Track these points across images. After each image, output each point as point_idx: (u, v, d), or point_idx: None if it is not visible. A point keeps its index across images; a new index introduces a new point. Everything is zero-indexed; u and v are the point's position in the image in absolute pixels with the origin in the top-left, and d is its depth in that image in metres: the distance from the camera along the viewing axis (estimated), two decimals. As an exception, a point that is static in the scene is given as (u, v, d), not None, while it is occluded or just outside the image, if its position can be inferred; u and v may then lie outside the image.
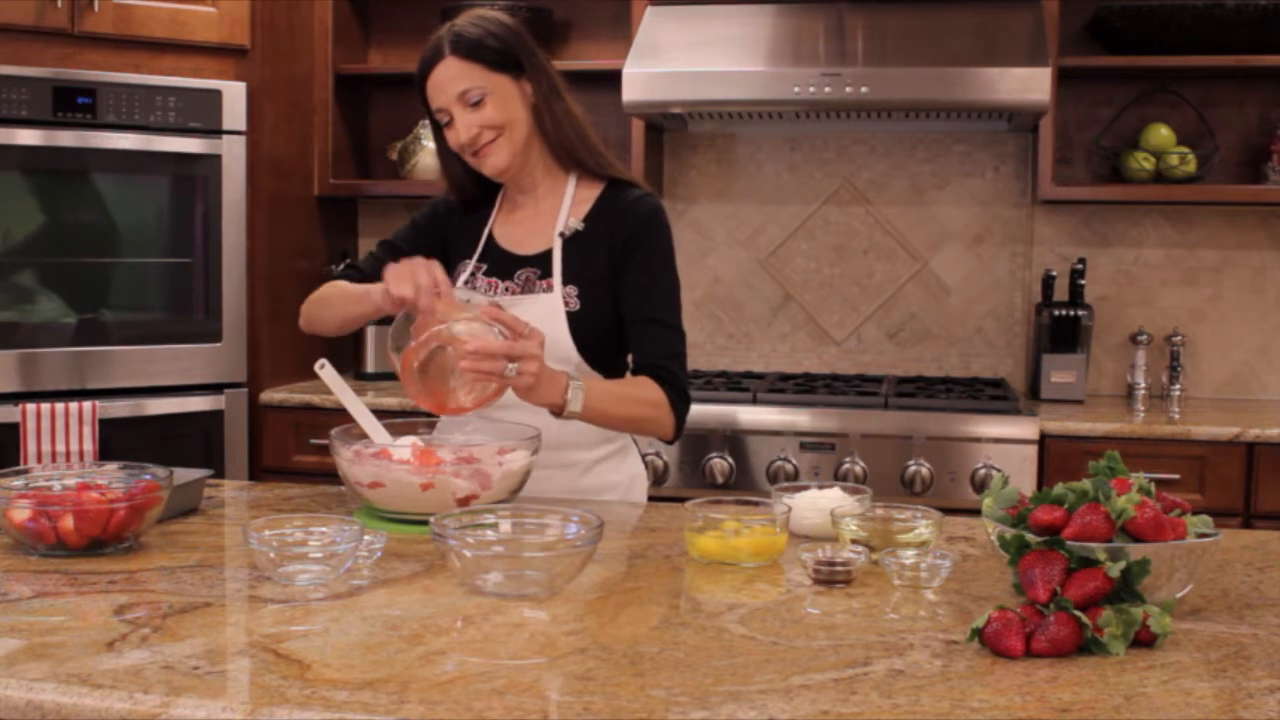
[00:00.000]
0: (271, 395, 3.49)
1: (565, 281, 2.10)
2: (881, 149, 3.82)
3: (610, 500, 2.14)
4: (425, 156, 3.79)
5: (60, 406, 3.13)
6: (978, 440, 3.11)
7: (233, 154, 3.40)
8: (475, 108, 2.06)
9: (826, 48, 3.30)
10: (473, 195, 2.23)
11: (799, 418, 3.20)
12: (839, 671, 1.25)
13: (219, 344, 3.42)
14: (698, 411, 3.05)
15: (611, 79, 3.34)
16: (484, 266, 2.18)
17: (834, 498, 1.79)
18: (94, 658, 1.26)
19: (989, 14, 3.32)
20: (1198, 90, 3.61)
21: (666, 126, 3.76)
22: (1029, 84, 3.12)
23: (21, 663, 1.24)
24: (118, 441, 3.20)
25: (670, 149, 3.94)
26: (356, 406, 1.99)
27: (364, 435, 1.96)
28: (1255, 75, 3.53)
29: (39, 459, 3.08)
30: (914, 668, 1.26)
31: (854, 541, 1.66)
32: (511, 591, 1.49)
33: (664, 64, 3.33)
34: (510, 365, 1.80)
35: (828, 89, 3.19)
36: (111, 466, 1.83)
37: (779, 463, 3.17)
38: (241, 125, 3.41)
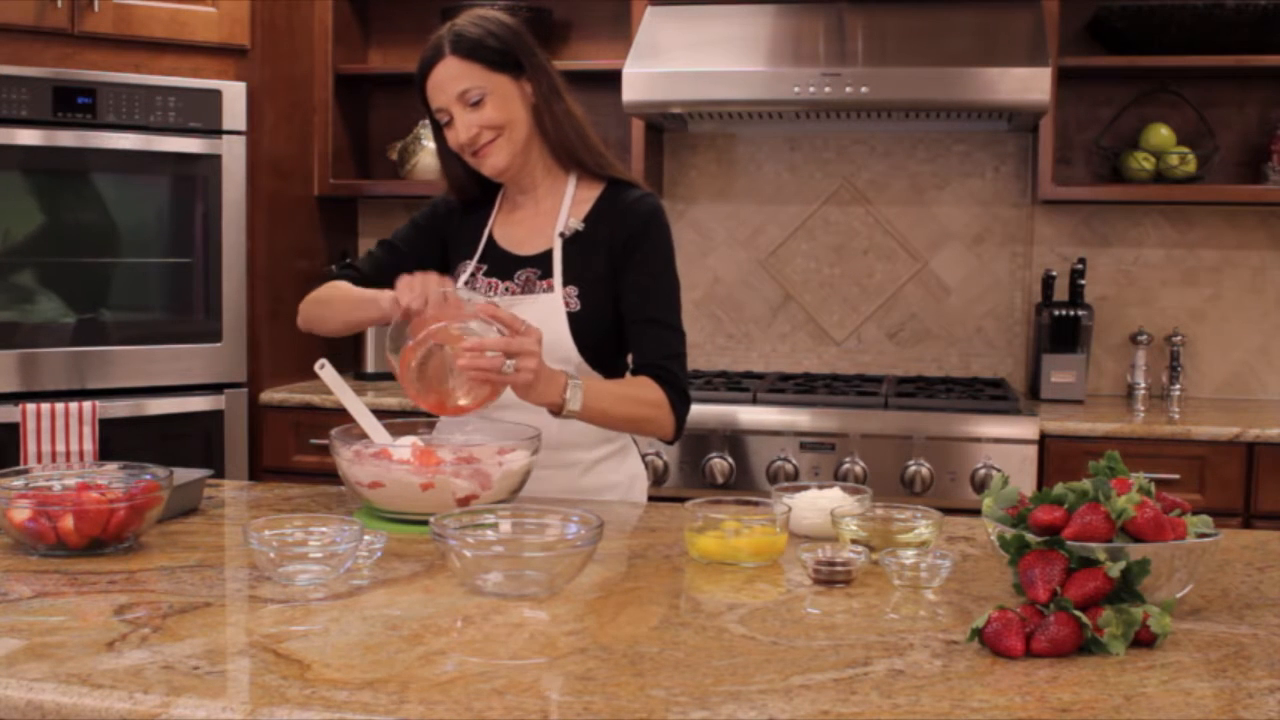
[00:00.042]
0: (271, 395, 3.50)
1: (565, 282, 2.10)
2: (881, 149, 3.82)
3: (610, 500, 2.14)
4: (425, 156, 3.79)
5: (60, 406, 3.13)
6: (978, 440, 3.11)
7: (233, 154, 3.40)
8: (475, 108, 2.06)
9: (826, 48, 3.30)
10: (473, 195, 2.23)
11: (799, 418, 3.20)
12: (839, 671, 1.25)
13: (219, 344, 3.42)
14: (698, 411, 3.05)
15: (611, 79, 3.34)
16: (484, 267, 2.18)
17: (834, 498, 1.79)
18: (94, 658, 1.26)
19: (989, 14, 3.32)
20: (1198, 90, 3.61)
21: (666, 126, 3.76)
22: (1029, 84, 3.12)
23: (21, 663, 1.24)
24: (118, 441, 3.20)
25: (670, 149, 3.94)
26: (356, 406, 1.99)
27: (364, 435, 1.96)
28: (1255, 75, 3.53)
29: (39, 459, 3.08)
30: (914, 668, 1.26)
31: (854, 541, 1.66)
32: (511, 591, 1.49)
33: (664, 64, 3.33)
34: (508, 362, 1.80)
35: (828, 89, 3.19)
36: (111, 466, 1.83)
37: (779, 463, 3.17)
38: (241, 125, 3.41)
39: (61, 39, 3.21)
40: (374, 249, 2.29)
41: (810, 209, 3.87)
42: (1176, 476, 3.07)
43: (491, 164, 2.11)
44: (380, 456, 1.85)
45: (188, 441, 3.35)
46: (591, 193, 2.17)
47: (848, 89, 3.19)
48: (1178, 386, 3.64)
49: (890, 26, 3.33)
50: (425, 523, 1.58)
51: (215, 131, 3.37)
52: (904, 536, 1.67)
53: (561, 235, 2.13)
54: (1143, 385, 3.65)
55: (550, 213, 2.17)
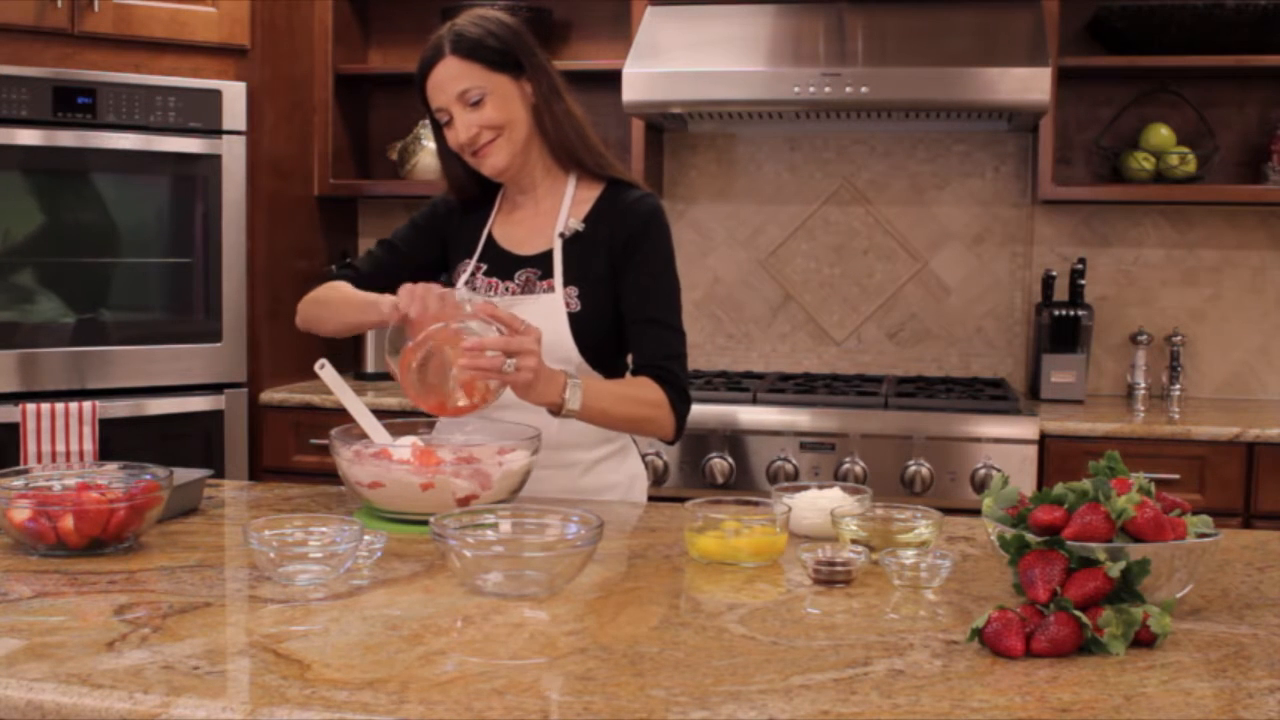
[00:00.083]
0: (271, 395, 3.50)
1: (566, 282, 2.10)
2: (881, 149, 3.82)
3: (610, 500, 2.14)
4: (425, 156, 3.79)
5: (60, 406, 3.13)
6: (978, 440, 3.11)
7: (233, 154, 3.40)
8: (475, 107, 2.06)
9: (826, 48, 3.30)
10: (472, 195, 2.23)
11: (799, 418, 3.20)
12: (839, 671, 1.25)
13: (219, 344, 3.42)
14: (698, 411, 3.05)
15: (611, 79, 3.34)
16: (484, 266, 2.18)
17: (834, 498, 1.79)
18: (94, 658, 1.26)
19: (989, 14, 3.32)
20: (1198, 90, 3.61)
21: (666, 126, 3.76)
22: (1029, 84, 3.12)
23: (21, 663, 1.24)
24: (118, 441, 3.20)
25: (670, 149, 3.94)
26: (356, 406, 1.99)
27: (364, 435, 1.96)
28: (1255, 75, 3.53)
29: (39, 459, 3.08)
30: (914, 668, 1.26)
31: (854, 541, 1.66)
32: (511, 591, 1.49)
33: (664, 64, 3.33)
34: (508, 361, 1.80)
35: (828, 89, 3.19)
36: (111, 466, 1.83)
37: (779, 463, 3.17)
38: (241, 125, 3.41)
39: (61, 39, 3.21)
40: (373, 248, 2.29)
41: (810, 209, 3.87)
42: (1176, 476, 3.07)
43: (491, 164, 2.11)
44: (380, 456, 1.85)
45: (188, 441, 3.35)
46: (591, 193, 2.17)
47: (848, 89, 3.19)
48: (1178, 386, 3.64)
49: (890, 26, 3.33)
50: (425, 523, 1.58)
51: (215, 131, 3.37)
52: (904, 536, 1.67)
53: (561, 235, 2.13)
54: (1143, 385, 3.65)
55: (550, 213, 2.17)
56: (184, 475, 1.93)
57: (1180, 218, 3.69)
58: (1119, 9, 3.43)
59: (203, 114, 3.34)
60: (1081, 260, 3.55)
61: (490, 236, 2.20)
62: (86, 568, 1.60)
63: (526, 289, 2.13)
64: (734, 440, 3.20)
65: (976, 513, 1.66)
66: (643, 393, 2.04)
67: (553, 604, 1.47)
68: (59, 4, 3.16)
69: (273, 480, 3.33)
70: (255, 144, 3.47)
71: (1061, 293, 3.63)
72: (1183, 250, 3.69)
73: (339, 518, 1.64)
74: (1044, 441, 3.13)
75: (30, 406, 3.10)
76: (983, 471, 3.09)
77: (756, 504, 1.75)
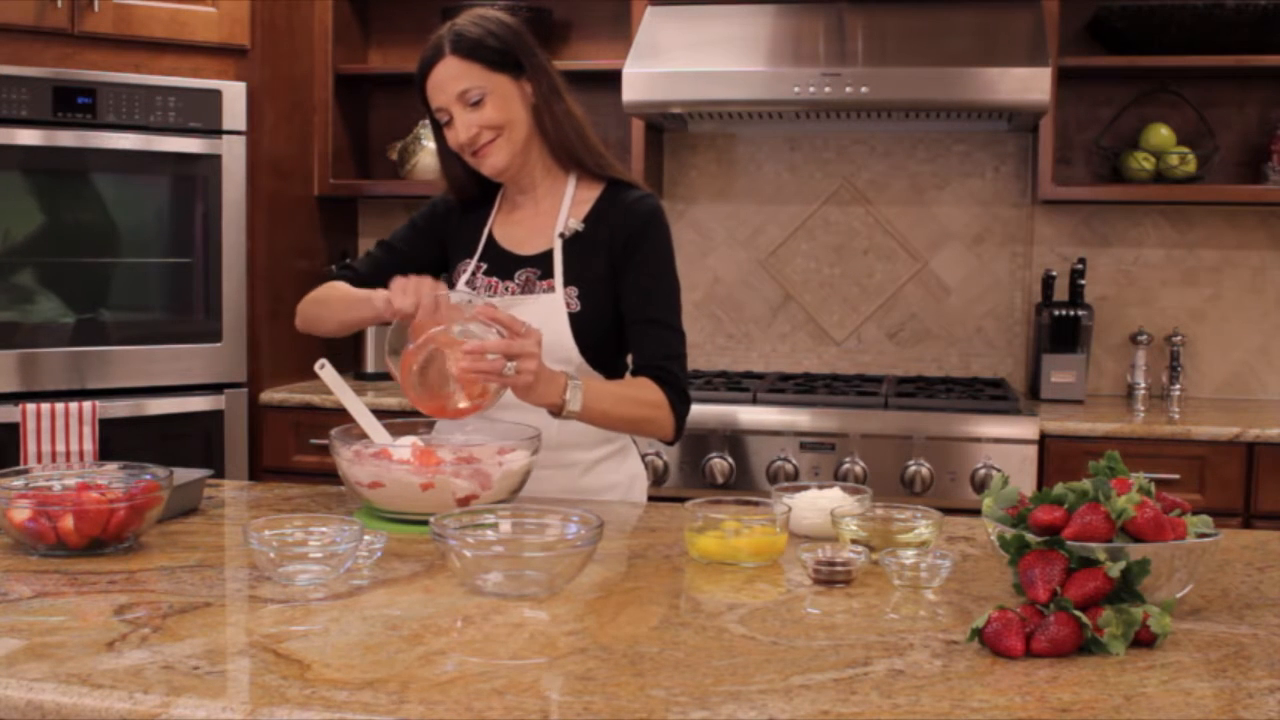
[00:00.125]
0: (271, 395, 3.50)
1: (566, 282, 2.10)
2: (881, 149, 3.82)
3: (610, 500, 2.14)
4: (425, 156, 3.79)
5: (60, 406, 3.13)
6: (978, 440, 3.11)
7: (233, 154, 3.40)
8: (475, 107, 2.06)
9: (826, 48, 3.30)
10: (472, 195, 2.23)
11: (799, 418, 3.20)
12: (839, 671, 1.25)
13: (219, 344, 3.42)
14: (698, 411, 3.05)
15: (611, 79, 3.34)
16: (484, 266, 2.18)
17: (834, 498, 1.79)
18: (94, 658, 1.26)
19: (989, 14, 3.32)
20: (1198, 90, 3.61)
21: (666, 126, 3.76)
22: (1029, 84, 3.12)
23: (21, 663, 1.24)
24: (118, 441, 3.20)
25: (670, 149, 3.94)
26: (356, 406, 1.99)
27: (364, 435, 1.96)
28: (1255, 75, 3.53)
29: (39, 459, 3.08)
30: (914, 668, 1.26)
31: (854, 541, 1.66)
32: (511, 591, 1.49)
33: (664, 64, 3.33)
34: (509, 364, 1.80)
35: (828, 89, 3.19)
36: (111, 466, 1.83)
37: (779, 463, 3.17)
38: (241, 125, 3.41)
39: (61, 39, 3.21)
40: (372, 249, 2.29)
41: (810, 209, 3.87)
42: (1176, 476, 3.07)
43: (491, 164, 2.11)
44: (380, 456, 1.85)
45: (188, 441, 3.35)
46: (591, 193, 2.17)
47: (848, 89, 3.19)
48: (1178, 386, 3.64)
49: (890, 26, 3.33)
50: (425, 523, 1.58)
51: (215, 131, 3.37)
52: (904, 536, 1.67)
53: (561, 236, 2.13)
54: (1143, 385, 3.65)
55: (550, 213, 2.17)
56: (184, 475, 1.93)
57: (1180, 218, 3.69)
58: (1119, 9, 3.43)
59: (203, 114, 3.35)
60: (1081, 260, 3.55)
61: (490, 236, 2.20)
62: (86, 568, 1.60)
63: (526, 289, 2.13)
64: (734, 440, 3.20)
65: (976, 513, 1.66)
66: (643, 393, 2.04)
67: (553, 604, 1.47)
68: (59, 4, 3.16)
69: (273, 480, 3.33)
70: (255, 144, 3.47)
71: (1061, 293, 3.63)
72: (1183, 250, 3.69)
73: (339, 518, 1.64)
74: (1044, 441, 3.13)
75: (30, 406, 3.10)
76: (983, 471, 3.09)
77: (756, 504, 1.75)
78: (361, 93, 4.05)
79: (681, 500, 1.81)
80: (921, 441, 3.13)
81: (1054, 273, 3.59)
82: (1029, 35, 3.24)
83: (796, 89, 3.22)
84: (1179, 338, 3.63)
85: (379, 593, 1.50)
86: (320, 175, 3.81)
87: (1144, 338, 3.63)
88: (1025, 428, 3.10)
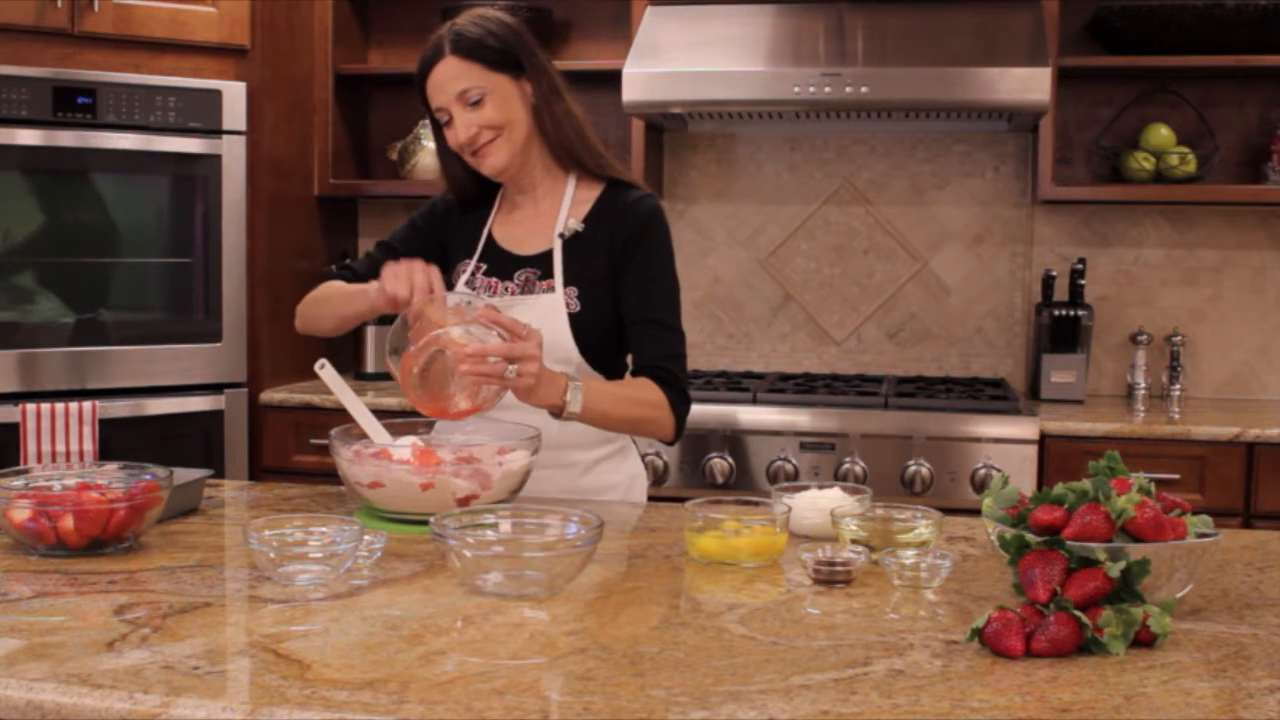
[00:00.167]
0: (271, 395, 3.50)
1: (566, 283, 2.10)
2: (881, 149, 3.82)
3: (610, 500, 2.14)
4: (425, 156, 3.79)
5: (60, 406, 3.13)
6: (978, 440, 3.11)
7: (233, 154, 3.40)
8: (475, 107, 2.06)
9: (826, 48, 3.30)
10: (472, 195, 2.23)
11: (799, 418, 3.20)
12: (839, 671, 1.25)
13: (219, 344, 3.42)
14: (698, 411, 3.05)
15: (611, 79, 3.34)
16: (484, 266, 2.18)
17: (834, 498, 1.79)
18: (94, 658, 1.26)
19: (989, 14, 3.32)
20: (1198, 90, 3.61)
21: (666, 126, 3.76)
22: (1029, 84, 3.12)
23: (21, 663, 1.24)
24: (118, 441, 3.20)
25: (670, 149, 3.94)
26: (356, 406, 1.99)
27: (364, 435, 1.96)
28: (1255, 75, 3.53)
29: (39, 459, 3.08)
30: (914, 668, 1.26)
31: (854, 541, 1.66)
32: (511, 591, 1.49)
33: (664, 64, 3.33)
34: (510, 367, 1.80)
35: (828, 89, 3.19)
36: (111, 466, 1.83)
37: (779, 463, 3.17)
38: (241, 125, 3.41)
39: (61, 39, 3.21)
40: (372, 250, 2.29)
41: (810, 209, 3.87)
42: (1176, 476, 3.07)
43: (491, 164, 2.11)
44: (380, 456, 1.85)
45: (188, 441, 3.35)
46: (591, 193, 2.17)
47: (848, 89, 3.19)
48: (1178, 386, 3.64)
49: (890, 26, 3.33)
50: (425, 523, 1.58)
51: (215, 131, 3.37)
52: (904, 536, 1.67)
53: (561, 236, 2.13)
54: (1143, 385, 3.65)
55: (550, 213, 2.17)
56: (184, 475, 1.93)
57: (1180, 218, 3.69)
58: (1119, 9, 3.43)
59: (203, 114, 3.35)
60: (1081, 260, 3.55)
61: (490, 236, 2.20)
62: (86, 568, 1.60)
63: (526, 289, 2.13)
64: (734, 440, 3.20)
65: (976, 513, 1.66)
66: (642, 394, 2.04)
67: (553, 604, 1.47)
68: (59, 4, 3.16)
69: (273, 480, 3.33)
70: (255, 144, 3.47)
71: (1061, 293, 3.63)
72: (1183, 250, 3.69)
73: (339, 518, 1.64)
74: (1044, 441, 3.13)
75: (30, 406, 3.10)
76: (983, 471, 3.09)
77: (756, 504, 1.75)
78: (361, 93, 4.05)
79: (681, 500, 1.81)
80: (921, 441, 3.13)
81: (1054, 273, 3.59)
82: (1029, 35, 3.24)
83: (796, 89, 3.22)
84: (1179, 338, 3.63)
85: (379, 593, 1.50)
86: (320, 175, 3.81)
87: (1144, 338, 3.63)
88: (1025, 428, 3.10)
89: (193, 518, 1.91)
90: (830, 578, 1.56)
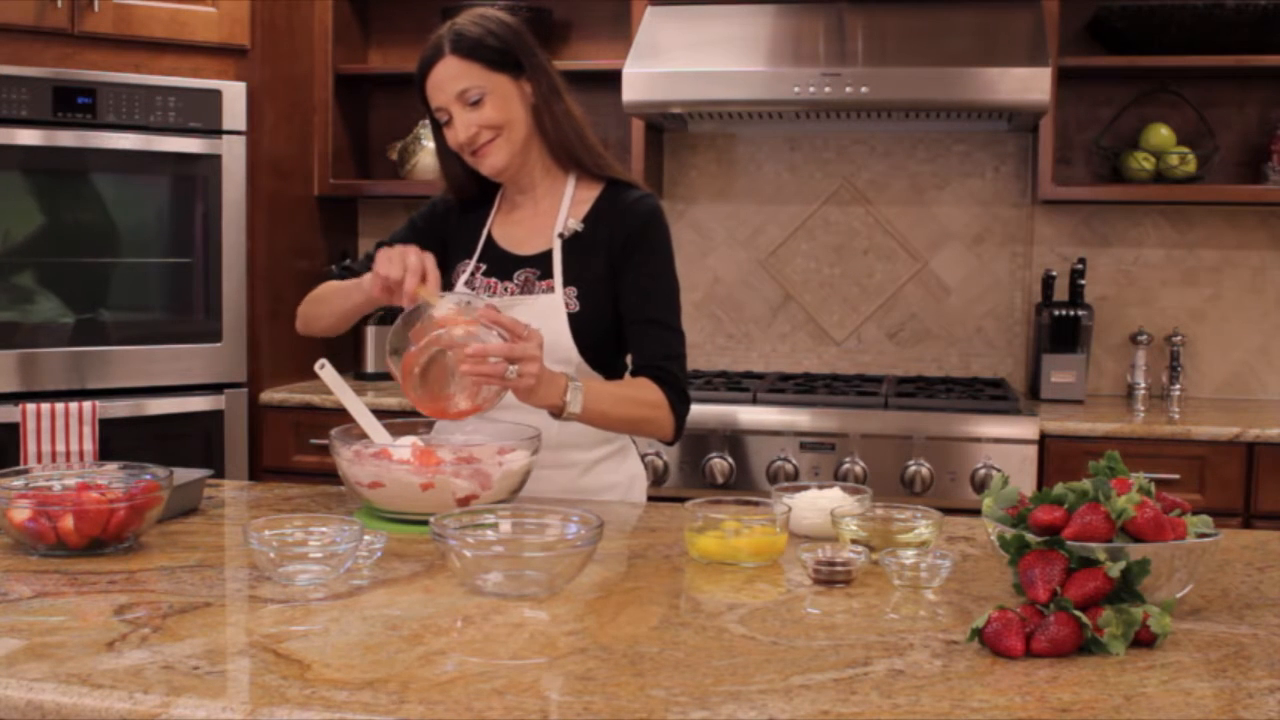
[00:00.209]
0: (271, 395, 3.50)
1: (565, 283, 2.10)
2: (881, 149, 3.82)
3: (610, 500, 2.14)
4: (425, 156, 3.79)
5: (60, 406, 3.13)
6: (978, 440, 3.11)
7: (233, 154, 3.40)
8: (474, 107, 2.06)
9: (826, 48, 3.30)
10: (471, 195, 2.23)
11: (799, 418, 3.20)
12: (839, 671, 1.25)
13: (219, 344, 3.42)
14: (698, 411, 3.05)
15: (611, 79, 3.34)
16: (483, 266, 2.18)
17: (834, 498, 1.79)
18: (94, 658, 1.26)
19: (989, 14, 3.32)
20: (1198, 90, 3.61)
21: (666, 126, 3.76)
22: (1029, 84, 3.12)
23: (21, 663, 1.24)
24: (118, 441, 3.20)
25: (670, 149, 3.94)
26: (356, 406, 1.99)
27: (364, 435, 1.96)
28: (1255, 75, 3.53)
29: (39, 459, 3.08)
30: (914, 668, 1.26)
31: (854, 541, 1.66)
32: (511, 591, 1.49)
33: (664, 64, 3.33)
34: (511, 367, 1.80)
35: (828, 89, 3.19)
36: (111, 466, 1.83)
37: (779, 463, 3.17)
38: (241, 125, 3.41)
39: (61, 39, 3.21)
40: (371, 251, 2.29)
41: (810, 209, 3.87)
42: (1176, 476, 3.07)
43: (490, 164, 2.11)
44: (380, 456, 1.85)
45: (188, 441, 3.35)
46: (590, 193, 2.17)
47: (848, 89, 3.19)
48: (1178, 386, 3.64)
49: (890, 26, 3.33)
50: (425, 523, 1.58)
51: (215, 131, 3.37)
52: (904, 536, 1.67)
53: (561, 236, 2.13)
54: (1143, 385, 3.65)
55: (549, 213, 2.17)
56: (184, 475, 1.93)
57: (1180, 218, 3.69)
58: (1119, 9, 3.43)
59: (203, 114, 3.35)
60: (1081, 260, 3.55)
61: (489, 237, 2.20)
62: (86, 568, 1.60)
63: (525, 289, 2.13)
64: (734, 440, 3.20)
65: (976, 513, 1.66)
66: (642, 394, 2.04)
67: (553, 604, 1.47)
68: (59, 4, 3.16)
69: (273, 480, 3.33)
70: (255, 144, 3.47)
71: (1061, 293, 3.63)
72: (1183, 250, 3.69)
73: (339, 518, 1.64)
74: (1044, 441, 3.13)
75: (30, 406, 3.10)
76: (983, 471, 3.09)
77: (756, 504, 1.75)
78: (361, 93, 4.05)
79: (681, 500, 1.81)
80: (921, 441, 3.13)
81: (1054, 273, 3.59)
82: (1029, 35, 3.24)
83: (796, 89, 3.22)
84: (1179, 338, 3.63)
85: (379, 593, 1.50)
86: (320, 175, 3.81)
87: (1144, 338, 3.63)
88: (1025, 428, 3.10)
89: (193, 518, 1.91)
90: (830, 578, 1.56)
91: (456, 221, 2.25)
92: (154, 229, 3.36)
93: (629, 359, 2.16)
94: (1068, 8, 3.51)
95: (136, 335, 3.33)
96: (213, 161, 3.37)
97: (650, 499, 2.22)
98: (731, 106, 3.33)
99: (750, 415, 3.21)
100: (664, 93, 3.30)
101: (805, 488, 1.83)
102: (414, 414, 2.00)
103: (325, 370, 1.98)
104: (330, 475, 2.07)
